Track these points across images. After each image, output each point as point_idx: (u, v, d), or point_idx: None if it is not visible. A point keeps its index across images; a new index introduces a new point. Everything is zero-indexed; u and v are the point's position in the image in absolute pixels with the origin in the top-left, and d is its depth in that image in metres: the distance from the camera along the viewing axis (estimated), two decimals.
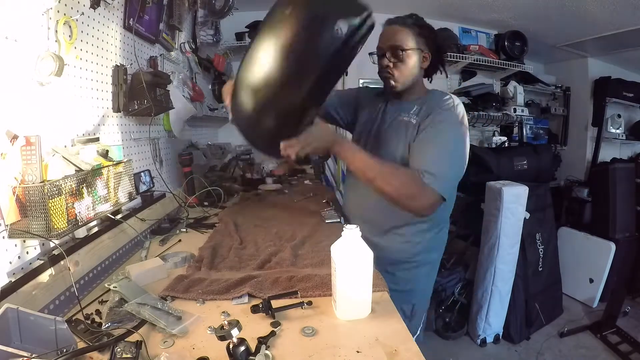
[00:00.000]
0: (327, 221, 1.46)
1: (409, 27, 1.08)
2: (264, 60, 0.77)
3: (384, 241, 1.19)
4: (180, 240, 1.29)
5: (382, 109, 1.23)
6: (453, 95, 1.12)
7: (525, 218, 2.19)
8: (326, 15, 0.75)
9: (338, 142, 1.00)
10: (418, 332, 1.32)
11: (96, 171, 0.95)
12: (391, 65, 1.10)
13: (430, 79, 1.20)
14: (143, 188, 1.41)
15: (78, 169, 0.90)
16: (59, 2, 0.93)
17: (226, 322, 0.60)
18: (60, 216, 0.79)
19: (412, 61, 1.09)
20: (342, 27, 0.74)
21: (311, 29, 0.75)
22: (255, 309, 0.76)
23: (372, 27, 0.79)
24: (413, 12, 1.13)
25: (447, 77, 1.23)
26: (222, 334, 0.59)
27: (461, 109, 1.07)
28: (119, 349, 0.61)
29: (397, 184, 0.98)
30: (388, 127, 1.16)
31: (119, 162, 1.06)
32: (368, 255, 0.74)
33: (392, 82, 1.12)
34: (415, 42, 1.08)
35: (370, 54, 1.16)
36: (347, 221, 1.33)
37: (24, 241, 0.81)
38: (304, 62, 0.77)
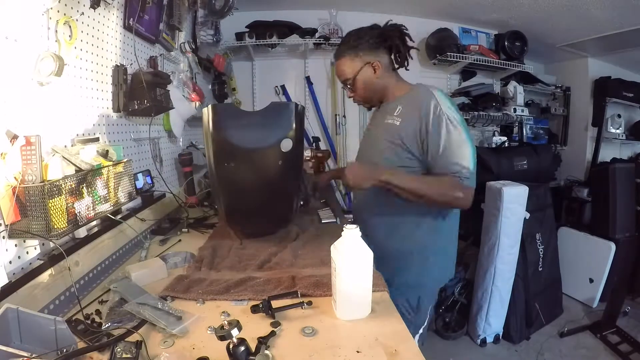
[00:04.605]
0: (323, 221, 1.46)
1: (344, 55, 1.17)
2: None
3: (391, 233, 1.21)
4: (180, 240, 1.30)
5: (374, 114, 1.34)
6: (431, 89, 1.11)
7: (525, 218, 2.19)
8: None
9: (387, 171, 1.06)
10: (425, 324, 1.31)
11: (96, 171, 0.94)
12: (351, 93, 1.24)
13: (405, 67, 1.20)
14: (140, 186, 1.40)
15: (78, 169, 0.90)
16: (59, 2, 0.93)
17: (226, 322, 0.60)
18: (60, 216, 0.79)
19: (362, 81, 1.18)
20: None
21: None
22: (255, 309, 0.76)
23: None
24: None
25: (409, 57, 1.20)
26: (222, 334, 0.59)
27: (443, 99, 1.08)
28: (119, 349, 0.61)
29: (443, 191, 1.05)
30: (376, 129, 1.25)
31: (119, 162, 1.06)
32: (368, 255, 0.74)
33: (361, 104, 1.28)
34: (356, 65, 1.16)
35: (343, 88, 1.31)
36: (355, 221, 1.33)
37: (24, 241, 0.81)
38: None
